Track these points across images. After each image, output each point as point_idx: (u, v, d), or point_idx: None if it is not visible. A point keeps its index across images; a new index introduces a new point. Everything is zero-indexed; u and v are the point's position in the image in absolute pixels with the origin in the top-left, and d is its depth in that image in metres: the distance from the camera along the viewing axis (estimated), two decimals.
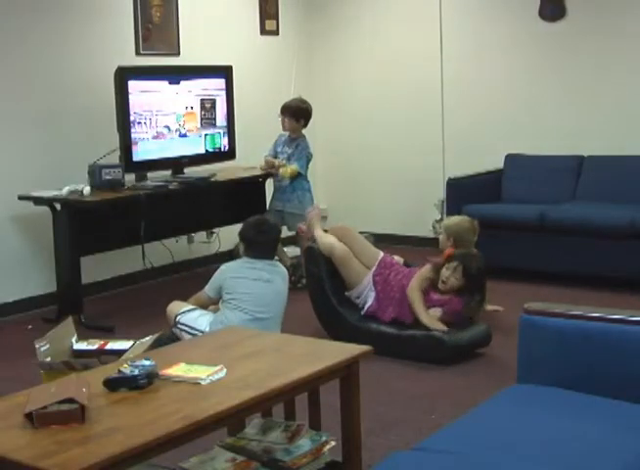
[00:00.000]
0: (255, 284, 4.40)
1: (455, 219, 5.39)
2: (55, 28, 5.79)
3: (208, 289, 4.54)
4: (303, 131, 6.31)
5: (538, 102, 6.86)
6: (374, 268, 4.86)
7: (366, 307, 4.80)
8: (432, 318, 4.61)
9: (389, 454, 2.44)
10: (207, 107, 6.24)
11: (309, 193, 6.30)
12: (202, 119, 6.20)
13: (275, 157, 6.32)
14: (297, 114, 6.22)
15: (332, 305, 4.81)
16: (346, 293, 4.90)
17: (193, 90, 6.13)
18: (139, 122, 5.74)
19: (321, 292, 4.85)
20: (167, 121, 5.96)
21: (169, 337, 4.26)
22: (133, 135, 5.69)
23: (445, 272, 4.69)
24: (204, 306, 4.55)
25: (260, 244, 4.52)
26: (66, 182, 5.40)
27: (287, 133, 6.30)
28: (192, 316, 4.42)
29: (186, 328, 4.39)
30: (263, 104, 6.79)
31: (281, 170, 6.19)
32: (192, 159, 6.16)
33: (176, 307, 4.52)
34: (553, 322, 2.85)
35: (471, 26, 7.12)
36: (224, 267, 4.54)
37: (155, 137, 5.87)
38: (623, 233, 5.71)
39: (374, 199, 7.67)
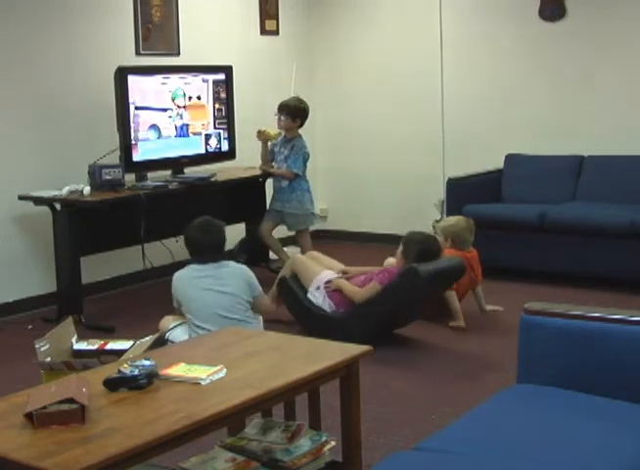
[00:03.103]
0: (206, 294, 4.28)
1: (451, 220, 5.45)
2: (55, 28, 5.79)
3: (174, 301, 4.46)
4: (300, 131, 6.29)
5: (538, 102, 6.86)
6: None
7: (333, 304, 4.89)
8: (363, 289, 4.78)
9: (389, 454, 2.44)
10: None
11: (308, 193, 6.29)
12: (201, 119, 6.21)
13: (272, 157, 6.33)
14: (295, 113, 6.20)
15: (312, 312, 4.93)
16: (308, 293, 4.96)
17: (193, 90, 6.12)
18: (139, 122, 5.74)
19: (300, 307, 5.00)
20: (167, 121, 5.96)
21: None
22: (133, 135, 5.70)
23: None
24: (183, 316, 4.45)
25: (206, 246, 4.37)
26: (66, 182, 5.40)
27: (283, 133, 6.30)
28: (177, 333, 4.33)
29: None
30: (263, 104, 6.79)
31: (271, 136, 6.23)
32: (192, 159, 6.16)
33: (165, 324, 4.45)
34: (553, 322, 2.85)
35: (471, 26, 7.11)
36: (175, 280, 4.41)
37: (154, 137, 5.88)
38: (623, 233, 5.71)
39: (374, 199, 7.67)
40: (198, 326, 4.27)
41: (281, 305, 5.11)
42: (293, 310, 5.08)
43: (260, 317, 4.58)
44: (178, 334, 4.32)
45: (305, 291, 4.98)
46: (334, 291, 4.89)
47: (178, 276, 4.42)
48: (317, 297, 4.92)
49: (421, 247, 4.79)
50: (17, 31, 5.58)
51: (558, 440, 2.36)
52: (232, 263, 4.47)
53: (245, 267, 4.50)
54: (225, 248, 4.54)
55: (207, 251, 4.37)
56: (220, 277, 4.33)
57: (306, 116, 6.28)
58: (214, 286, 4.31)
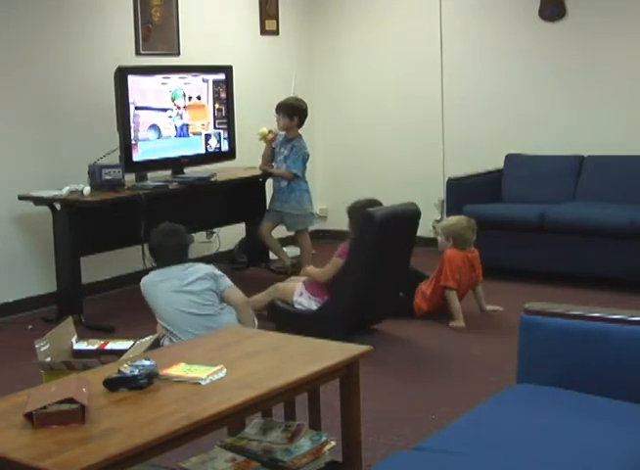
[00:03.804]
0: (174, 295, 4.32)
1: (452, 220, 5.45)
2: (55, 28, 5.79)
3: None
4: (300, 131, 6.29)
5: (538, 102, 6.86)
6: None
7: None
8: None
9: (389, 454, 2.44)
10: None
11: (307, 193, 6.30)
12: (201, 119, 6.21)
13: (272, 157, 6.33)
14: (291, 111, 6.20)
15: (304, 317, 4.96)
16: (295, 305, 5.00)
17: (193, 90, 6.12)
18: (139, 122, 5.74)
19: (293, 318, 5.01)
20: (167, 121, 5.96)
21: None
22: (133, 135, 5.69)
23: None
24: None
25: (171, 249, 4.41)
26: (66, 182, 5.40)
27: (284, 133, 6.30)
28: (167, 341, 4.36)
29: None
30: (263, 104, 6.79)
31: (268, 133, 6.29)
32: (192, 159, 6.16)
33: (159, 329, 4.45)
34: (553, 322, 2.85)
35: (471, 26, 7.11)
36: (142, 286, 4.45)
37: (154, 137, 5.88)
38: (623, 233, 5.70)
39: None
40: (171, 332, 4.30)
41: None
42: (289, 325, 5.07)
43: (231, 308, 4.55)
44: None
45: (293, 306, 5.03)
46: (309, 284, 4.98)
47: (144, 282, 4.45)
48: (302, 302, 4.98)
49: (364, 209, 4.87)
50: (17, 31, 5.58)
51: (558, 440, 2.36)
52: (196, 264, 4.52)
53: (210, 265, 4.55)
54: (189, 250, 4.59)
55: (173, 254, 4.42)
56: (185, 278, 4.37)
57: (305, 114, 6.28)
58: (180, 287, 4.35)
